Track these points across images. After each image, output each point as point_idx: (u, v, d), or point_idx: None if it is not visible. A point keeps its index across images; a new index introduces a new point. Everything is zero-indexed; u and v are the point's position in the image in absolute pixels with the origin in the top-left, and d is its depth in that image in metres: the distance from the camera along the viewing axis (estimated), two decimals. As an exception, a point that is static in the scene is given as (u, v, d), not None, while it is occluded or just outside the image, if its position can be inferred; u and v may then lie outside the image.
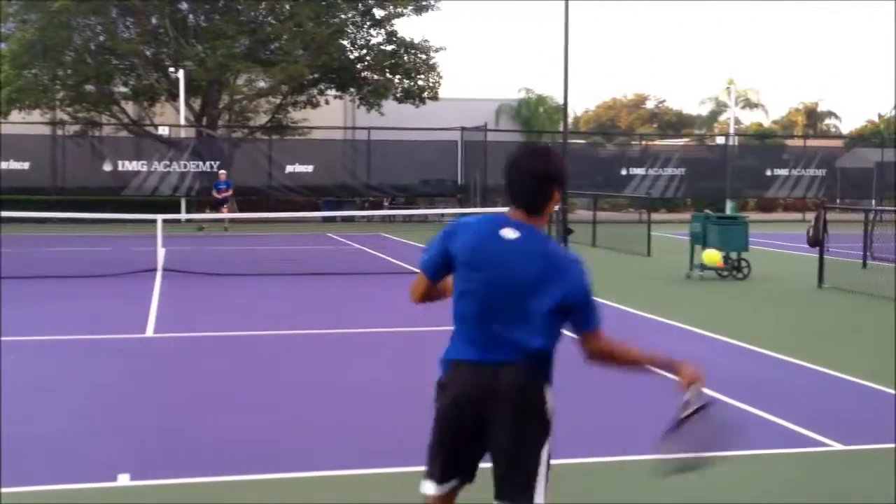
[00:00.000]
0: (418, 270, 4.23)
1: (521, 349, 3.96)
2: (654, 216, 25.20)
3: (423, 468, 4.13)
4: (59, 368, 9.90)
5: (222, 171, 31.78)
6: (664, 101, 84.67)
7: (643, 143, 45.51)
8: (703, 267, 17.89)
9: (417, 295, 4.32)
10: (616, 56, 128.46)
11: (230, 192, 31.09)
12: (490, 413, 3.91)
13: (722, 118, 61.94)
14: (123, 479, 6.27)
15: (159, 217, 19.54)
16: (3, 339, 10.97)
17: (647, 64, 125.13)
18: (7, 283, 16.36)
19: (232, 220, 31.28)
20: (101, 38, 36.14)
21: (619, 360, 4.19)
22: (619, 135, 59.69)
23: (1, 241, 20.75)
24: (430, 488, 4.07)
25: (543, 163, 3.99)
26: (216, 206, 30.57)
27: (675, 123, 76.27)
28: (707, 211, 19.23)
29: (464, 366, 4.02)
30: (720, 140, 43.51)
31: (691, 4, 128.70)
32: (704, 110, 66.64)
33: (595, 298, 4.02)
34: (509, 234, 3.93)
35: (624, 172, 39.66)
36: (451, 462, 4.04)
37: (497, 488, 3.94)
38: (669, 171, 39.74)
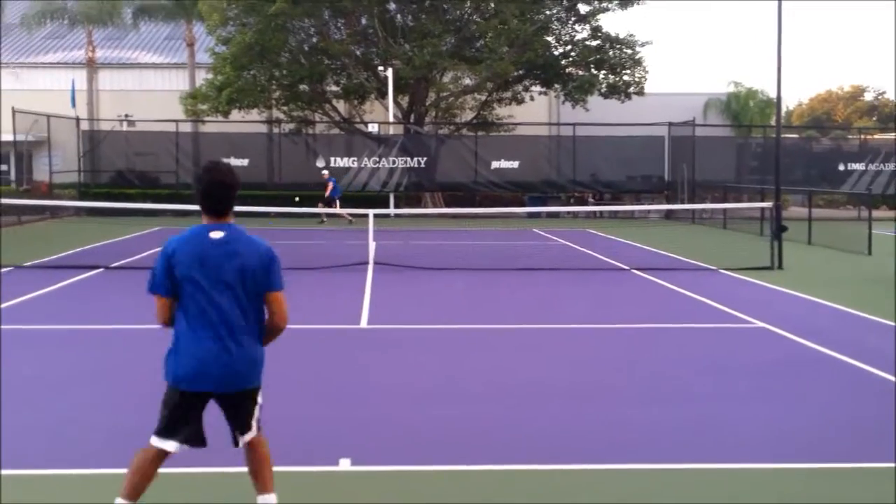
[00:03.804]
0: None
1: None
2: (875, 213, 23.97)
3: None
4: (280, 356, 10.25)
5: (325, 171, 32.43)
6: (884, 92, 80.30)
7: (862, 136, 43.37)
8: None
9: None
10: (831, 46, 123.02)
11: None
12: None
13: (949, 110, 58.36)
14: (345, 464, 6.45)
15: (371, 212, 20.05)
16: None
17: (865, 53, 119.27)
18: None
19: (440, 215, 31.74)
20: (314, 39, 37.41)
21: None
22: (834, 128, 57.12)
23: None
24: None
25: (230, 175, 4.93)
26: (329, 202, 30.92)
27: (896, 116, 72.36)
28: (934, 208, 18.13)
29: None
30: (947, 133, 41.00)
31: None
32: (929, 102, 62.92)
33: None
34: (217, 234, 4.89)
35: (841, 168, 37.98)
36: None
37: None
38: (891, 166, 37.79)
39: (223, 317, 4.85)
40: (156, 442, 4.97)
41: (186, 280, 4.85)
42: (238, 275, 4.86)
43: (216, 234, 4.88)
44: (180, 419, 4.94)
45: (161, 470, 5.06)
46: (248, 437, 5.09)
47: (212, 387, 4.89)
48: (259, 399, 5.10)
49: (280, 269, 4.99)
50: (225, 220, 4.96)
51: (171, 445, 4.97)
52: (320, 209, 29.10)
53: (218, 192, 4.90)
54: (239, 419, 5.05)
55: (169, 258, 4.88)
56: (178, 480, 6.02)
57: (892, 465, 6.53)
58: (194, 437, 5.03)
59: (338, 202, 30.96)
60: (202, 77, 39.20)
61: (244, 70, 35.46)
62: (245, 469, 5.26)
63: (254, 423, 5.10)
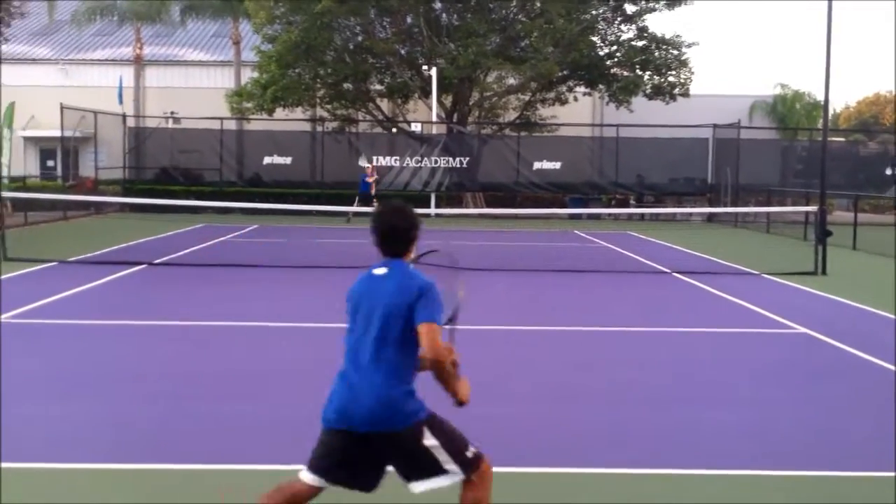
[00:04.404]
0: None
1: None
2: (923, 219, 23.64)
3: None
4: (307, 354, 10.31)
5: (368, 164, 32.39)
6: (934, 95, 79.28)
7: (910, 141, 42.80)
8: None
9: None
10: (879, 48, 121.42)
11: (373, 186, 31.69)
12: None
13: None
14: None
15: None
16: (259, 324, 11.61)
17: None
18: (266, 270, 17.29)
19: (480, 215, 31.73)
20: (360, 38, 37.53)
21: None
22: (882, 132, 56.36)
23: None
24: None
25: (403, 217, 4.82)
26: (366, 197, 30.55)
27: (946, 120, 71.32)
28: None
29: None
30: None
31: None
32: (980, 105, 62.02)
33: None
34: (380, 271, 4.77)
35: (889, 172, 37.48)
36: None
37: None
38: (939, 170, 37.27)
39: (367, 354, 4.62)
40: (301, 474, 4.72)
41: (351, 319, 4.75)
42: (388, 310, 4.61)
43: (379, 271, 4.77)
44: (324, 456, 4.68)
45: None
46: (430, 484, 4.63)
47: (349, 424, 4.58)
48: (426, 440, 4.61)
49: (433, 302, 4.63)
50: (401, 259, 4.81)
51: (309, 477, 4.67)
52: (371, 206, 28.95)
53: (392, 235, 4.79)
54: (401, 465, 4.65)
55: (348, 299, 4.82)
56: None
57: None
58: (346, 478, 4.68)
59: (359, 198, 30.97)
60: (248, 75, 39.47)
61: (289, 68, 35.62)
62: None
63: (441, 468, 4.61)
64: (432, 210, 31.50)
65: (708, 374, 9.69)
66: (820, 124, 33.16)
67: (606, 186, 36.45)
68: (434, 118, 36.27)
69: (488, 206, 35.03)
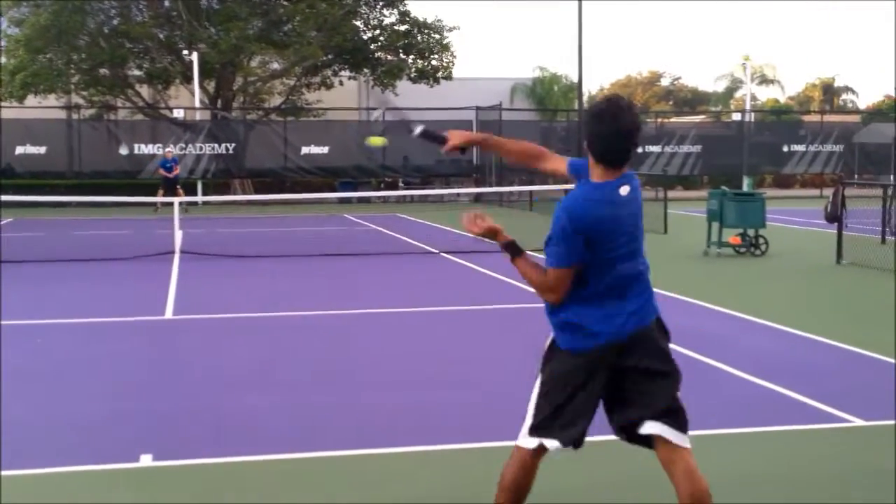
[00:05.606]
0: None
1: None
2: (670, 194, 25.12)
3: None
4: (79, 351, 9.96)
5: (168, 150, 31.61)
6: (679, 78, 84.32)
7: (658, 120, 45.23)
8: (720, 244, 17.88)
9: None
10: (630, 33, 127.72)
11: (177, 171, 30.53)
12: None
13: (738, 95, 61.72)
14: (146, 460, 6.30)
15: (176, 200, 19.65)
16: (22, 322, 11.11)
17: (662, 41, 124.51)
18: (25, 266, 16.48)
19: (249, 202, 31.32)
20: (115, 21, 36.21)
21: None
22: (634, 112, 59.27)
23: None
24: None
25: (636, 115, 4.12)
26: (169, 186, 29.26)
27: (690, 101, 75.96)
28: (724, 188, 19.18)
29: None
30: (736, 117, 43.38)
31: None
32: (720, 87, 66.48)
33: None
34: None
35: (639, 150, 39.45)
36: None
37: None
38: (685, 148, 39.53)
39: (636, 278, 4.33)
40: None
41: (603, 248, 4.20)
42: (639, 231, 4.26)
43: (624, 190, 4.14)
44: None
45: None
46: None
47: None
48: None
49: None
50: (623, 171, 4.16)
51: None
52: (163, 197, 27.31)
53: (633, 137, 4.09)
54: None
55: (585, 230, 4.22)
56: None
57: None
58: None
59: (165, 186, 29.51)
60: (-7, 60, 37.35)
61: (39, 53, 33.98)
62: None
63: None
64: (199, 198, 30.84)
65: (468, 352, 9.96)
66: (576, 105, 34.53)
67: (375, 170, 36.74)
68: (197, 104, 35.44)
69: (257, 192, 34.61)
